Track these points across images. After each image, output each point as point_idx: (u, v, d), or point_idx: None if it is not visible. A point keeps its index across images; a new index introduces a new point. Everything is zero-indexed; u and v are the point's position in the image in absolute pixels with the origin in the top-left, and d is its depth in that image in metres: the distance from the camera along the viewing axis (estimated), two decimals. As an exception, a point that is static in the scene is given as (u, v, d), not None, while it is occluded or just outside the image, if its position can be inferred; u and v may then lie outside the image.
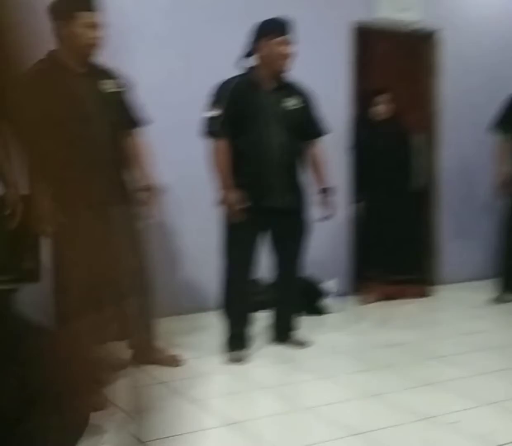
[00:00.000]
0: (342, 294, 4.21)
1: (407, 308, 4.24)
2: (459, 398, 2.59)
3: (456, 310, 4.24)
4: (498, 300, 4.33)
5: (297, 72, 4.34)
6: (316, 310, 4.03)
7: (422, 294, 4.56)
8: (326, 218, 3.31)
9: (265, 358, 3.11)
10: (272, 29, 3.13)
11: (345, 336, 3.61)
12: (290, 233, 3.22)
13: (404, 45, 5.06)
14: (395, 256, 4.44)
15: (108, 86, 2.87)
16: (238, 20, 3.97)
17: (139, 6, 3.80)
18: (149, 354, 2.89)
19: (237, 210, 3.03)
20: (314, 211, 3.28)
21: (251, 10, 4.12)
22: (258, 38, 3.15)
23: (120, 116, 2.89)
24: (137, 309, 2.77)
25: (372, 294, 4.40)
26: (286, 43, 3.13)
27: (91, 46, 2.76)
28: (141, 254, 2.89)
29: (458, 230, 5.01)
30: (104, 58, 2.91)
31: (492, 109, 4.44)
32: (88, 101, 2.73)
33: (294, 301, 3.43)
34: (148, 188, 2.94)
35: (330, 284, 4.11)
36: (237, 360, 3.05)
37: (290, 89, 3.23)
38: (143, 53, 3.69)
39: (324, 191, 3.30)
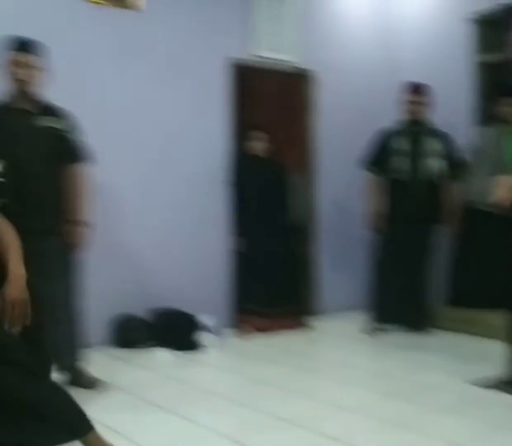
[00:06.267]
0: (219, 328, 4.21)
1: (285, 341, 4.31)
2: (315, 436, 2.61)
3: (330, 342, 4.36)
4: (369, 330, 4.50)
5: (174, 105, 4.41)
6: (190, 344, 4.01)
7: (301, 326, 4.66)
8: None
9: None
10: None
11: (221, 373, 3.61)
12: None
13: (283, 83, 5.24)
14: (273, 289, 4.52)
15: (48, 122, 3.04)
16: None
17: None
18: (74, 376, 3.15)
19: None
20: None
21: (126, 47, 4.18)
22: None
23: (59, 150, 3.05)
24: (63, 335, 3.03)
25: (250, 328, 4.44)
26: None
27: (20, 83, 2.97)
28: (69, 285, 3.10)
29: (333, 263, 5.19)
30: (51, 96, 3.11)
31: (363, 146, 4.66)
32: (22, 135, 2.97)
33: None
34: (78, 222, 3.10)
35: (207, 319, 4.10)
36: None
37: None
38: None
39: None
